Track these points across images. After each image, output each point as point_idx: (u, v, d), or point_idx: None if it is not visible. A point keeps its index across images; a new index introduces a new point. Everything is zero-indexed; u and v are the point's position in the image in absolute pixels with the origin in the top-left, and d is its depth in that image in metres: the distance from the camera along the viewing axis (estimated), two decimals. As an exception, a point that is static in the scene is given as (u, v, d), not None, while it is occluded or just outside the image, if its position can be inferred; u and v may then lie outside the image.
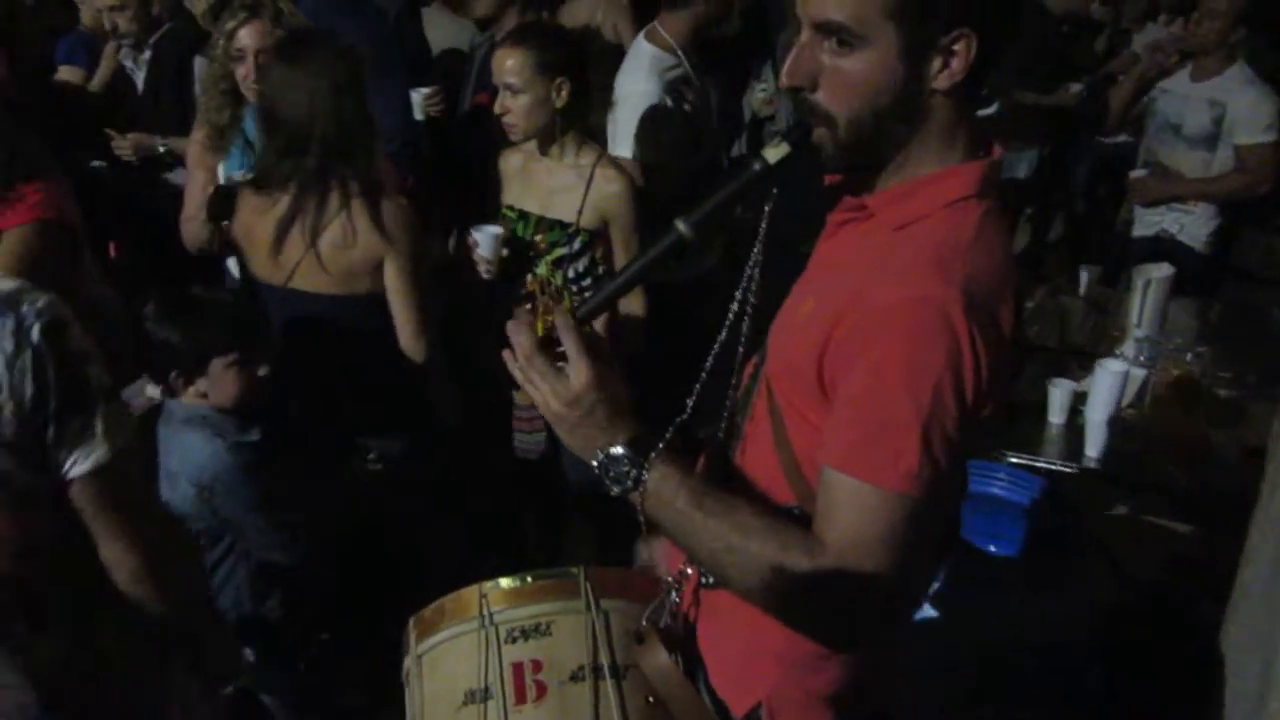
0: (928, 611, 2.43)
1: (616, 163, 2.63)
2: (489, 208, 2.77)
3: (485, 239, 2.55)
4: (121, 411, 1.37)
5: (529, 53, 2.46)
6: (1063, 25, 5.26)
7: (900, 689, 2.23)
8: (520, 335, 1.22)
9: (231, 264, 2.83)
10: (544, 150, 2.61)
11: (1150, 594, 2.61)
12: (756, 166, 1.23)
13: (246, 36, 2.67)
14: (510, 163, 2.73)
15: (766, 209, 1.37)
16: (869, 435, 1.14)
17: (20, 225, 2.02)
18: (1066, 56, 5.11)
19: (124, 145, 3.72)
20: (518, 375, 1.25)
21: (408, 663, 1.46)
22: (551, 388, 1.21)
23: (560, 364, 1.23)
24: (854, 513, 1.15)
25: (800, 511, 1.28)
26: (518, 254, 2.65)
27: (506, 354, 1.25)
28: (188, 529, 1.98)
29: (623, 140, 3.10)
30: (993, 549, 2.52)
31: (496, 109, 2.53)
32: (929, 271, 1.15)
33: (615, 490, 1.24)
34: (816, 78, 1.20)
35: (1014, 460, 2.66)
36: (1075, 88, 4.94)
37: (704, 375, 1.46)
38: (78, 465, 1.31)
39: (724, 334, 1.44)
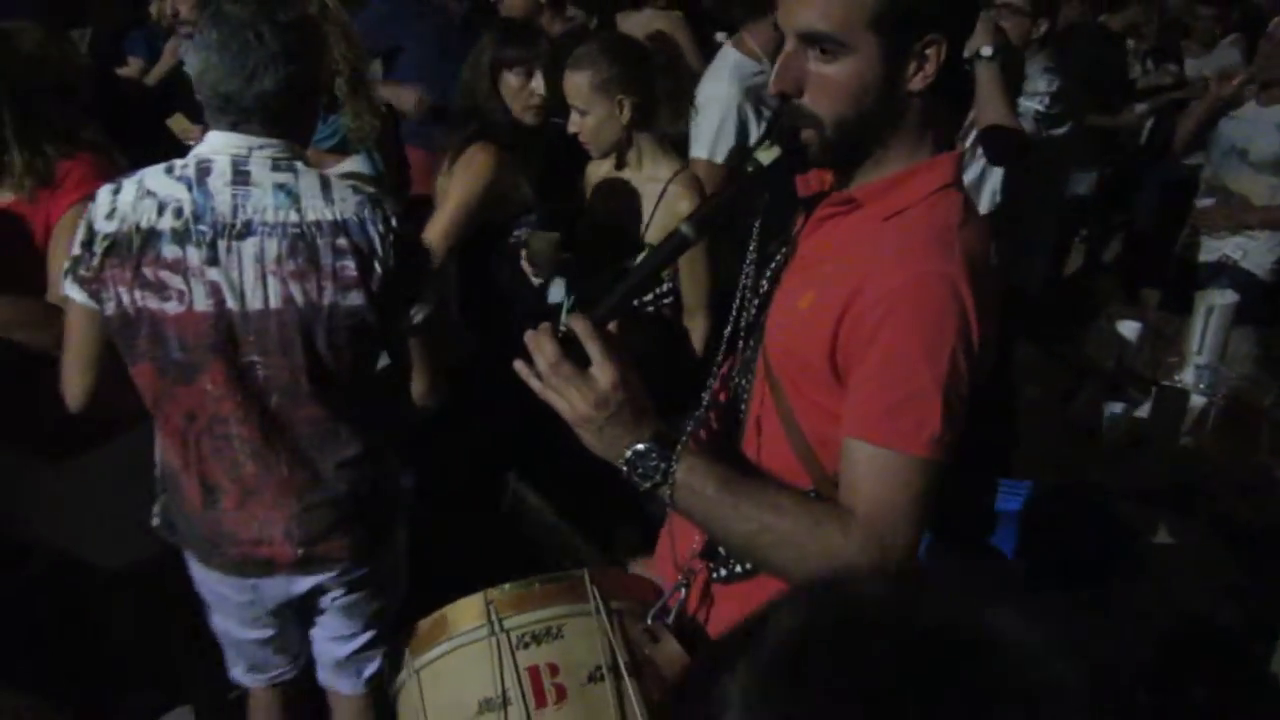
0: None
1: (692, 180, 2.61)
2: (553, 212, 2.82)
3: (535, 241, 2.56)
4: (434, 281, 1.91)
5: (587, 74, 2.49)
6: (1125, 39, 5.20)
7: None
8: (544, 342, 1.24)
9: None
10: (620, 164, 2.63)
11: (1203, 626, 2.57)
12: (750, 169, 1.31)
13: None
14: (597, 171, 2.76)
15: (760, 209, 1.45)
16: (893, 405, 1.20)
17: (75, 205, 2.05)
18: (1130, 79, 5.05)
19: (194, 133, 3.79)
20: (535, 385, 1.26)
21: (402, 677, 1.44)
22: (579, 391, 1.23)
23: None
24: (881, 480, 1.20)
25: (816, 494, 1.32)
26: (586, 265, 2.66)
27: (520, 365, 1.26)
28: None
29: (701, 142, 3.15)
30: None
31: (570, 128, 2.56)
32: (932, 250, 1.23)
33: (645, 486, 1.26)
34: (802, 84, 1.26)
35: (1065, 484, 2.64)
36: (1139, 108, 4.89)
37: (716, 369, 1.52)
38: (414, 316, 1.85)
39: (729, 329, 1.50)
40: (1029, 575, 2.47)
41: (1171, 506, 2.69)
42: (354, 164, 2.77)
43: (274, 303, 1.73)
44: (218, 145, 1.74)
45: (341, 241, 1.73)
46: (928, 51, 1.23)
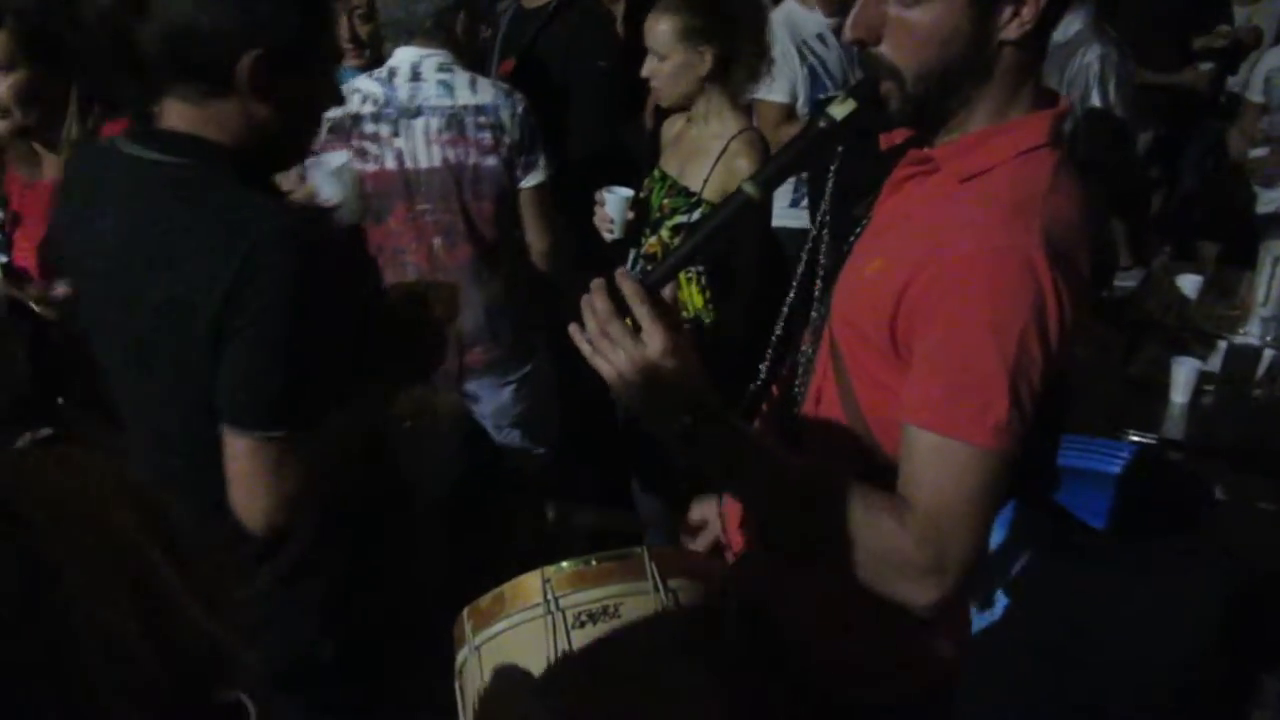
0: (1034, 595, 2.34)
1: (755, 138, 2.50)
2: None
3: (613, 199, 2.50)
4: (546, 158, 2.45)
5: (675, 18, 2.40)
6: None
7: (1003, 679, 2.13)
8: (598, 300, 1.13)
9: None
10: (692, 117, 2.54)
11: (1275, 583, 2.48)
12: (822, 124, 1.14)
13: None
14: (671, 128, 2.68)
15: (832, 168, 1.31)
16: (954, 390, 1.07)
17: None
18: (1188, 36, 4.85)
19: None
20: (585, 349, 1.14)
21: (463, 654, 1.38)
22: (628, 354, 1.11)
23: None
24: (941, 471, 1.08)
25: (871, 476, 1.18)
26: (644, 218, 2.58)
27: (574, 328, 1.15)
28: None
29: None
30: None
31: (644, 72, 2.48)
32: (1009, 220, 1.07)
33: (692, 462, 1.16)
34: (880, 30, 1.11)
35: (1135, 439, 2.55)
36: (1205, 67, 4.68)
37: (775, 340, 1.40)
38: (528, 180, 2.45)
39: (792, 295, 1.38)
40: (1104, 533, 2.40)
41: (1241, 462, 2.60)
42: None
43: (436, 163, 2.37)
44: (401, 56, 2.39)
45: (482, 119, 2.36)
46: None
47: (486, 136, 2.37)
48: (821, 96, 2.89)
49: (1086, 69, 3.12)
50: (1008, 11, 1.08)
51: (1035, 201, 1.09)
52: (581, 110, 3.23)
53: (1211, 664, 2.31)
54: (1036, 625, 2.21)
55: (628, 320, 1.13)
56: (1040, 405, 1.08)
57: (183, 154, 1.30)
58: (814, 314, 1.34)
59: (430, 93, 2.36)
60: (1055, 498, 2.34)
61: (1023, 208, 1.08)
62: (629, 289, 1.12)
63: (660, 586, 1.32)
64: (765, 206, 2.39)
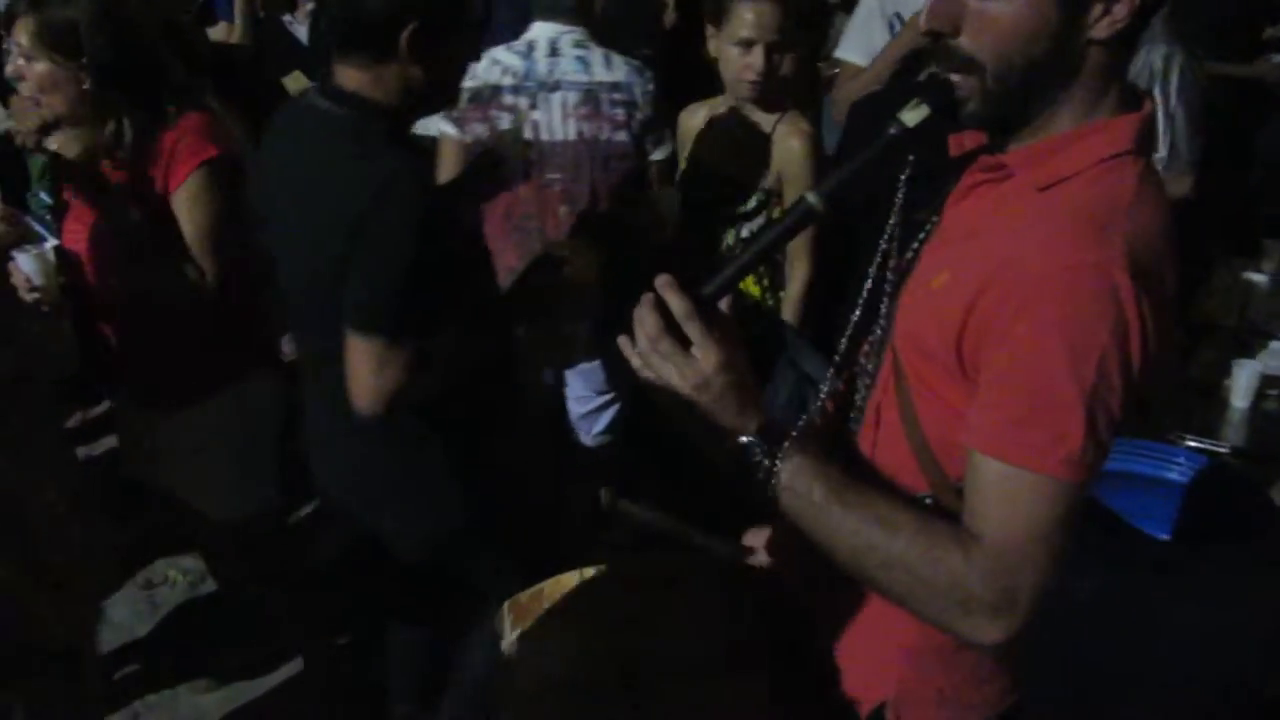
0: (1086, 604, 2.28)
1: (800, 119, 2.48)
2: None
3: (660, 199, 2.52)
4: (670, 132, 2.60)
5: (787, 6, 2.32)
6: None
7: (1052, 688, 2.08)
8: (647, 315, 1.08)
9: None
10: (766, 107, 2.47)
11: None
12: (893, 130, 1.09)
13: None
14: (694, 119, 2.64)
15: (903, 177, 1.23)
16: (1026, 416, 1.00)
17: (193, 173, 2.01)
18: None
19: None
20: (635, 361, 1.11)
21: (502, 647, 1.39)
22: (679, 370, 1.07)
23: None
24: (1010, 502, 1.01)
25: (934, 501, 1.15)
26: (693, 216, 2.57)
27: (624, 340, 1.11)
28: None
29: (841, 43, 3.09)
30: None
31: (755, 67, 2.35)
32: (1088, 234, 1.00)
33: (747, 483, 1.11)
34: (959, 21, 1.04)
35: (1193, 444, 2.48)
36: (1276, 58, 4.51)
37: (838, 357, 1.33)
38: (657, 154, 2.56)
39: (859, 313, 1.30)
40: (1160, 541, 2.33)
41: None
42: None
43: (570, 136, 2.47)
44: (539, 31, 2.49)
45: (616, 95, 2.46)
46: None
47: (620, 112, 2.45)
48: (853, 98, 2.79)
49: (1149, 66, 3.03)
50: (1098, 9, 1.01)
51: (1118, 213, 1.02)
52: None
53: (1271, 677, 2.24)
54: (1088, 636, 2.15)
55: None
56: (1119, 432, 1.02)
57: (346, 106, 1.62)
58: (875, 328, 1.29)
59: (568, 68, 2.44)
60: (1110, 504, 2.29)
61: (1104, 220, 1.01)
62: (678, 306, 1.07)
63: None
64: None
